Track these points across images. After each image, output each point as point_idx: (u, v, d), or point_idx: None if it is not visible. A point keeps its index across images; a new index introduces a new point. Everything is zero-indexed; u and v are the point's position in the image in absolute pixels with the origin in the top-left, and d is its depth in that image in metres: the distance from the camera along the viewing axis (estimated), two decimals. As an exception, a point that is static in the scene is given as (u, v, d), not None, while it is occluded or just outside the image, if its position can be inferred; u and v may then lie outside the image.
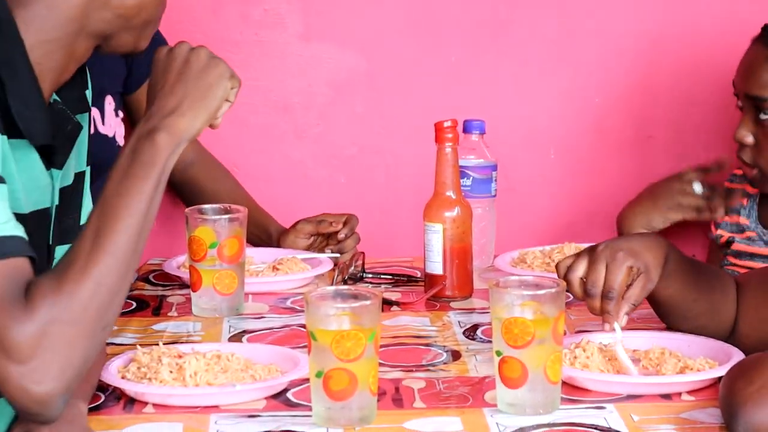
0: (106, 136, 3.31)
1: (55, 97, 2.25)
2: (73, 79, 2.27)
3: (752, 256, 3.03)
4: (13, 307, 1.91)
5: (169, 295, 2.95)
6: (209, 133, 3.36)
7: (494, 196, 3.04)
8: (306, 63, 3.72)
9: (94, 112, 3.24)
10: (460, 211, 2.84)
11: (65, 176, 2.29)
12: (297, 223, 3.28)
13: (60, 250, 2.30)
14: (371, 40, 3.71)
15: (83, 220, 2.39)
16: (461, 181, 2.89)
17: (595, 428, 2.16)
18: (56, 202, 2.25)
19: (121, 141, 3.34)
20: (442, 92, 3.66)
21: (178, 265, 3.03)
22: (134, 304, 2.89)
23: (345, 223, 3.21)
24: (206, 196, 3.33)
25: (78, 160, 2.36)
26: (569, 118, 3.72)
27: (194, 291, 2.79)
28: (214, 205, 2.86)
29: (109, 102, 3.34)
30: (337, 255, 3.17)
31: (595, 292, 2.40)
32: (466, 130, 3.01)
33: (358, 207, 3.65)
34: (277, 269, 3.05)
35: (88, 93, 2.38)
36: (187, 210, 2.83)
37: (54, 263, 2.26)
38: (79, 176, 2.37)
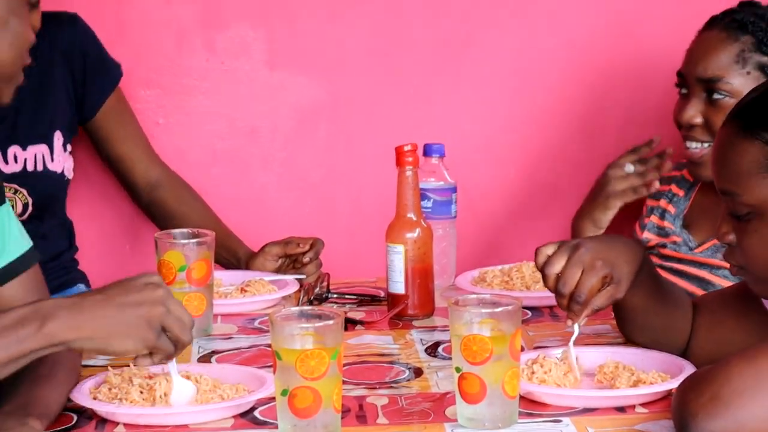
0: (55, 172, 3.29)
1: None
2: None
3: (679, 260, 3.05)
4: None
5: None
6: (177, 158, 3.39)
7: (454, 217, 3.04)
8: (271, 90, 3.72)
9: (44, 149, 3.25)
10: (421, 233, 2.84)
11: None
12: (265, 246, 3.27)
13: None
14: (334, 67, 3.72)
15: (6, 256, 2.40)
16: (422, 203, 2.89)
17: (552, 440, 2.19)
18: None
19: (69, 175, 3.34)
20: (402, 117, 3.67)
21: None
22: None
23: (311, 246, 3.21)
24: (175, 218, 3.33)
25: None
26: (527, 138, 3.73)
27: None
28: (183, 230, 2.84)
29: (58, 137, 3.30)
30: (303, 276, 3.16)
31: (565, 292, 2.41)
32: (426, 154, 3.02)
33: (324, 229, 3.65)
34: (245, 291, 3.04)
35: None
36: (156, 234, 2.82)
37: None
38: None
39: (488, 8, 3.69)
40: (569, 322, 2.43)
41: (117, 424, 2.30)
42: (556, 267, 2.42)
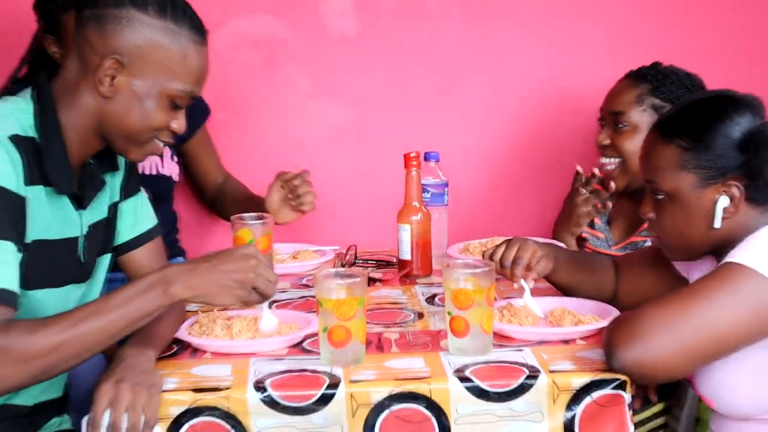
0: (164, 176, 3.28)
1: (90, 160, 2.24)
2: (106, 150, 2.25)
3: (600, 254, 3.05)
4: None
5: None
6: (244, 163, 3.38)
7: (446, 205, 3.03)
8: (313, 114, 3.70)
9: (156, 158, 3.25)
10: (422, 216, 2.84)
11: (96, 213, 2.28)
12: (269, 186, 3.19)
13: (100, 262, 2.34)
14: (358, 97, 3.70)
15: (133, 229, 2.42)
16: (423, 194, 2.88)
17: (517, 363, 2.18)
18: (84, 232, 2.23)
19: (176, 178, 3.33)
20: (408, 132, 3.65)
21: None
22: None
23: (299, 175, 3.14)
24: (237, 203, 3.29)
25: (110, 198, 2.34)
26: (499, 147, 3.71)
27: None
28: (252, 213, 2.81)
29: (167, 151, 3.27)
30: (338, 247, 3.13)
31: (507, 264, 2.43)
32: (426, 159, 3.01)
33: (351, 214, 3.68)
34: (296, 257, 3.04)
35: (120, 159, 2.34)
36: (232, 217, 2.79)
37: (93, 275, 2.30)
38: (113, 207, 2.36)
39: (470, 55, 3.67)
40: (515, 284, 2.45)
41: (205, 352, 2.31)
42: (498, 254, 2.45)
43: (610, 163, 3.11)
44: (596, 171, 3.10)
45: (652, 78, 3.07)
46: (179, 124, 2.21)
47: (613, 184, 3.07)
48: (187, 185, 3.52)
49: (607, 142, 3.10)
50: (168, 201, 3.36)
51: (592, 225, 3.23)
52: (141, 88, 2.13)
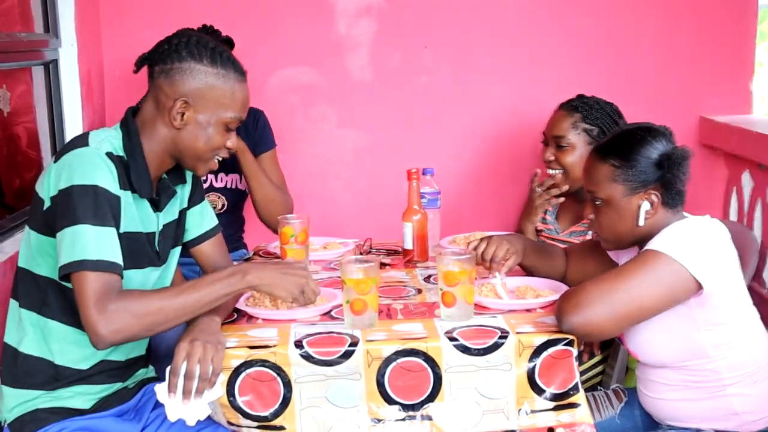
0: (240, 189, 3.26)
1: (164, 176, 2.28)
2: (175, 168, 2.29)
3: (552, 240, 3.04)
4: (105, 304, 1.96)
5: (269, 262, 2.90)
6: (289, 178, 3.37)
7: (439, 208, 2.99)
8: (339, 140, 3.71)
9: (236, 176, 3.24)
10: (421, 216, 2.81)
11: (168, 215, 2.31)
12: None
13: (173, 253, 2.35)
14: (373, 125, 3.70)
15: (200, 228, 2.43)
16: (421, 200, 2.86)
17: (492, 327, 2.18)
18: (160, 229, 2.27)
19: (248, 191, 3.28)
20: (411, 153, 3.64)
21: (275, 246, 2.97)
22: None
23: None
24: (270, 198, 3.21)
25: (180, 205, 2.36)
26: (478, 166, 3.71)
27: (283, 259, 2.72)
28: (293, 215, 2.80)
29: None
30: (358, 239, 3.09)
31: (487, 258, 2.42)
32: (424, 173, 2.98)
33: (368, 216, 3.69)
34: (326, 248, 3.01)
35: (188, 171, 2.35)
36: (279, 217, 2.76)
37: (167, 261, 2.32)
38: (182, 212, 2.38)
39: (456, 95, 3.67)
40: (491, 276, 2.43)
41: (257, 319, 2.32)
42: (480, 249, 2.43)
43: (556, 173, 3.14)
44: (537, 171, 3.21)
45: (581, 109, 3.11)
46: (233, 142, 2.25)
47: (556, 190, 3.13)
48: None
49: (552, 158, 3.13)
50: (240, 208, 3.35)
51: (545, 220, 3.24)
52: (204, 119, 2.18)
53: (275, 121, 3.40)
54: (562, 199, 3.18)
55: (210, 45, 2.19)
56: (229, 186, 3.24)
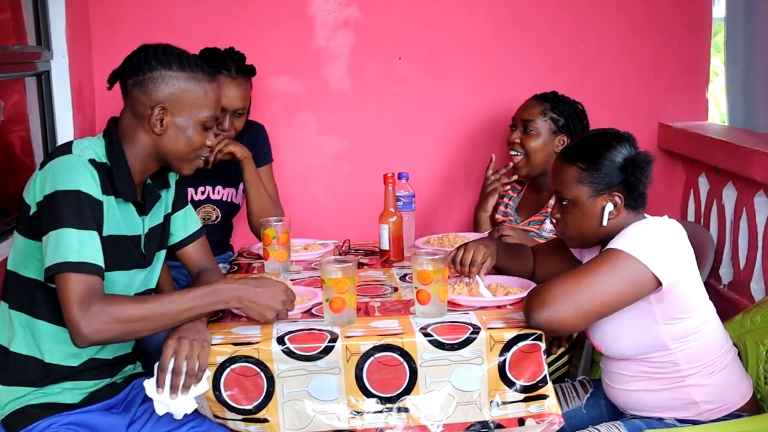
0: (233, 203, 3.23)
1: (149, 180, 2.27)
2: (159, 173, 2.28)
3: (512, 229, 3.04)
4: (88, 304, 1.94)
5: (253, 263, 2.88)
6: (275, 180, 3.35)
7: (414, 210, 2.99)
8: (320, 146, 3.69)
9: (232, 191, 3.21)
10: (397, 218, 2.79)
11: (154, 219, 2.30)
12: None
13: (158, 255, 2.33)
14: (351, 132, 3.69)
15: (184, 232, 2.41)
16: (397, 203, 2.85)
17: (464, 323, 2.17)
18: (145, 232, 2.25)
19: (241, 205, 3.25)
20: (387, 158, 3.63)
21: (257, 248, 2.97)
22: (236, 267, 2.82)
23: None
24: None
25: (165, 209, 2.35)
26: (450, 171, 3.71)
27: (266, 260, 2.73)
28: (275, 218, 2.77)
29: (241, 188, 3.18)
30: (337, 241, 3.07)
31: (466, 263, 2.42)
32: (399, 177, 2.97)
33: (346, 217, 3.67)
34: (306, 248, 2.99)
35: (171, 177, 2.35)
36: (261, 220, 2.75)
37: (152, 264, 2.30)
38: (167, 216, 2.36)
39: (430, 103, 3.67)
40: (468, 279, 2.43)
41: (241, 317, 2.28)
42: (458, 256, 2.44)
43: (518, 155, 3.20)
44: (493, 156, 3.32)
45: (551, 100, 3.19)
46: (211, 140, 2.24)
47: (506, 179, 3.27)
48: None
49: (517, 140, 3.19)
50: (231, 218, 3.33)
51: (506, 213, 3.29)
52: (182, 122, 2.18)
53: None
54: (507, 188, 3.30)
55: (176, 51, 2.19)
56: (225, 199, 3.22)
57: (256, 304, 2.12)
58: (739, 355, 2.35)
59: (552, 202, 3.07)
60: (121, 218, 2.16)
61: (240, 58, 3.12)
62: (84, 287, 1.95)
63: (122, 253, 2.16)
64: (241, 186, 3.22)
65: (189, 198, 2.46)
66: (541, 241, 2.88)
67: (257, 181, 3.10)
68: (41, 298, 2.13)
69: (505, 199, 3.33)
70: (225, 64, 3.04)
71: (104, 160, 2.14)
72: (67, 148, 2.11)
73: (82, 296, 1.94)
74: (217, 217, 3.20)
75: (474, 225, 3.36)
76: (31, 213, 2.08)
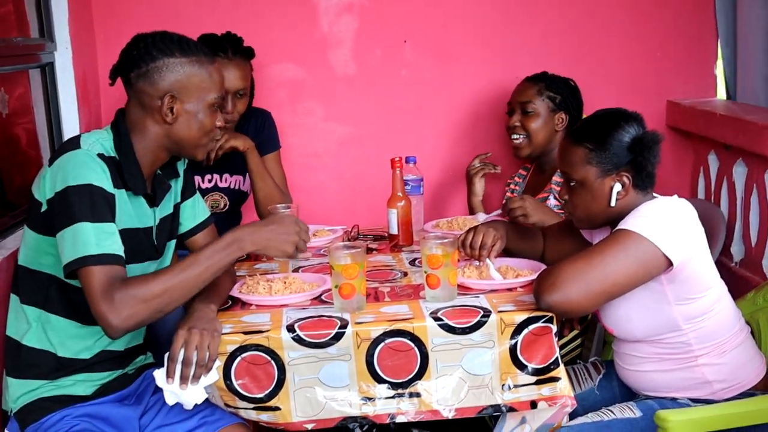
0: (241, 190, 3.21)
1: (158, 171, 2.26)
2: (168, 163, 2.27)
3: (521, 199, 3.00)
4: (111, 294, 1.94)
5: None
6: (283, 164, 3.35)
7: (422, 194, 3.00)
8: (326, 132, 3.68)
9: (240, 178, 3.19)
10: (405, 203, 2.81)
11: (164, 209, 2.29)
12: None
13: (169, 245, 2.33)
14: (358, 118, 3.67)
15: (193, 220, 2.40)
16: (405, 187, 2.86)
17: (474, 306, 2.18)
18: (156, 223, 2.25)
19: (249, 192, 3.23)
20: (394, 142, 3.60)
21: None
22: (245, 256, 2.81)
23: None
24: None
25: (174, 199, 2.34)
26: (459, 152, 3.70)
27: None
28: (282, 204, 2.80)
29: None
30: (345, 226, 3.07)
31: (476, 246, 2.42)
32: (407, 162, 2.98)
33: (353, 203, 3.65)
34: (315, 235, 2.98)
35: (179, 166, 2.35)
36: (269, 207, 2.77)
37: (164, 254, 2.30)
38: (176, 206, 2.35)
39: (437, 86, 3.65)
40: (477, 263, 2.43)
41: (251, 305, 2.31)
42: (468, 239, 2.43)
43: (519, 138, 3.21)
44: (488, 154, 3.38)
45: (545, 79, 3.21)
46: (221, 121, 2.24)
47: (491, 167, 3.32)
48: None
49: (518, 123, 3.21)
50: (239, 205, 3.32)
51: (513, 191, 3.32)
52: (192, 107, 2.17)
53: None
54: (493, 171, 3.35)
55: (175, 38, 2.17)
56: (232, 187, 3.21)
57: (273, 241, 2.13)
58: (752, 333, 2.34)
59: (555, 178, 3.08)
60: (133, 211, 2.16)
61: (237, 41, 3.11)
62: (106, 278, 1.95)
63: (135, 246, 2.16)
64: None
65: (196, 186, 2.44)
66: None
67: (262, 171, 3.09)
68: (54, 293, 2.13)
69: (512, 185, 3.33)
70: (222, 46, 3.02)
71: (113, 153, 2.13)
72: (75, 143, 2.10)
73: (105, 287, 1.94)
74: (225, 205, 3.20)
75: (469, 211, 3.36)
76: (42, 210, 2.08)
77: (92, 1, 3.50)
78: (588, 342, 2.91)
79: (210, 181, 3.17)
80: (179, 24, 3.02)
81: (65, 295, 2.11)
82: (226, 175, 3.20)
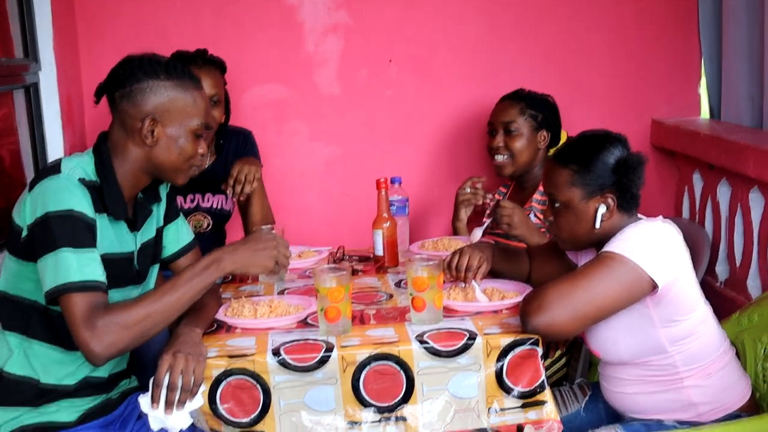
0: (224, 209, 3.21)
1: (140, 194, 2.25)
2: (150, 187, 2.26)
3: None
4: (93, 321, 1.93)
5: None
6: (267, 188, 3.35)
7: (407, 215, 3.01)
8: (311, 152, 3.69)
9: (222, 198, 3.20)
10: (390, 224, 2.80)
11: (146, 234, 2.27)
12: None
13: (152, 270, 2.31)
14: (342, 138, 3.68)
15: (177, 244, 2.39)
16: (390, 208, 2.86)
17: (460, 329, 2.17)
18: (137, 248, 2.23)
19: (232, 212, 3.26)
20: (379, 163, 3.63)
21: None
22: (230, 277, 2.82)
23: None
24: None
25: (157, 223, 2.32)
26: (444, 174, 3.71)
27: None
28: (267, 226, 2.73)
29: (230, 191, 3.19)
30: (331, 247, 3.06)
31: (462, 268, 2.42)
32: (392, 182, 2.99)
33: (339, 223, 3.66)
34: (300, 256, 2.98)
35: (162, 189, 2.33)
36: (254, 228, 2.76)
37: (146, 279, 2.28)
38: (159, 230, 2.34)
39: (421, 107, 3.67)
40: (463, 285, 2.43)
41: (236, 328, 2.29)
42: (454, 262, 2.44)
43: (502, 158, 3.19)
44: (483, 178, 3.26)
45: (525, 98, 3.20)
46: (203, 148, 2.22)
47: (481, 194, 3.20)
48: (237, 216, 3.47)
49: (501, 144, 3.19)
50: (223, 225, 3.32)
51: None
52: (174, 132, 2.15)
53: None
54: (490, 197, 3.29)
55: (162, 60, 2.16)
56: (215, 206, 3.21)
57: (252, 258, 2.13)
58: (737, 354, 2.35)
59: (536, 196, 3.09)
60: (114, 236, 2.14)
61: (206, 53, 3.14)
62: (88, 305, 1.94)
63: (116, 271, 2.14)
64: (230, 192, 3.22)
65: (179, 207, 2.43)
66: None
67: (263, 192, 3.10)
68: (36, 318, 2.11)
69: (492, 203, 3.33)
70: (192, 57, 3.05)
71: (94, 178, 2.12)
72: (55, 167, 2.08)
73: (87, 315, 1.93)
74: (208, 225, 3.19)
75: (453, 232, 3.36)
76: (23, 236, 2.05)
77: (77, 22, 3.50)
78: (574, 362, 2.91)
79: (192, 201, 3.17)
80: (164, 45, 3.03)
81: (47, 320, 2.09)
82: (208, 195, 3.19)
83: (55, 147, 3.25)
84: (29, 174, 3.18)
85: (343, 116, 3.67)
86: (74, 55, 3.47)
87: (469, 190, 3.23)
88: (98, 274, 1.98)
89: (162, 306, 2.00)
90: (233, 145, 3.21)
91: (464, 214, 3.27)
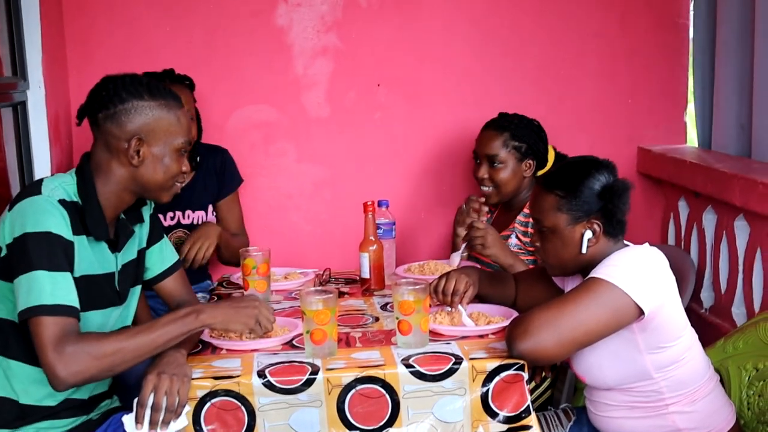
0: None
1: (122, 215, 2.24)
2: (132, 207, 2.25)
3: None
4: (63, 346, 1.92)
5: (233, 292, 2.89)
6: (249, 210, 3.35)
7: (394, 237, 3.00)
8: (298, 174, 3.69)
9: (201, 213, 3.24)
10: (377, 247, 2.80)
11: (127, 255, 2.26)
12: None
13: (133, 291, 2.31)
14: (331, 161, 3.69)
15: (161, 266, 2.39)
16: (377, 231, 2.86)
17: (446, 353, 2.17)
18: (118, 269, 2.22)
19: None
20: (367, 186, 3.64)
21: (237, 277, 2.97)
22: (216, 297, 2.82)
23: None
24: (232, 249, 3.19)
25: (139, 244, 2.32)
26: (432, 197, 3.72)
27: (245, 290, 2.73)
28: (255, 247, 2.80)
29: (210, 209, 3.27)
30: (317, 269, 3.06)
31: (448, 292, 2.42)
32: (379, 205, 2.98)
33: (327, 246, 3.66)
34: (286, 278, 2.99)
35: (145, 211, 2.33)
36: (241, 250, 2.75)
37: (127, 300, 2.27)
38: (141, 251, 2.33)
39: (409, 130, 3.68)
40: (450, 308, 2.43)
41: (221, 349, 2.29)
42: (440, 286, 2.44)
43: (488, 188, 3.19)
44: (473, 197, 3.19)
45: (508, 127, 3.17)
46: (186, 165, 2.22)
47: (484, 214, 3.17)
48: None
49: (486, 176, 3.18)
50: None
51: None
52: (159, 151, 2.15)
53: (237, 158, 3.40)
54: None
55: (144, 81, 2.16)
56: (195, 222, 3.21)
57: (233, 315, 2.13)
58: (722, 381, 2.35)
59: (519, 218, 3.10)
60: (94, 257, 2.13)
61: (174, 73, 3.21)
62: (58, 330, 1.93)
63: (96, 292, 2.13)
64: (210, 207, 3.27)
65: None
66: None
67: (229, 241, 3.17)
68: (14, 338, 2.10)
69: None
70: (161, 78, 3.12)
71: (75, 198, 2.11)
72: (36, 188, 2.07)
73: (57, 339, 1.92)
74: None
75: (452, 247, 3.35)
76: (1, 255, 2.05)
77: (66, 41, 3.50)
78: (559, 385, 2.91)
79: (173, 218, 3.17)
80: (153, 67, 3.05)
81: (26, 340, 2.06)
82: (188, 212, 3.20)
83: (42, 165, 3.24)
84: (15, 191, 3.17)
85: (331, 138, 3.68)
86: (63, 75, 3.48)
87: (472, 207, 3.21)
88: (71, 299, 1.98)
89: (134, 344, 1.99)
90: (212, 164, 3.26)
91: (462, 231, 3.26)
